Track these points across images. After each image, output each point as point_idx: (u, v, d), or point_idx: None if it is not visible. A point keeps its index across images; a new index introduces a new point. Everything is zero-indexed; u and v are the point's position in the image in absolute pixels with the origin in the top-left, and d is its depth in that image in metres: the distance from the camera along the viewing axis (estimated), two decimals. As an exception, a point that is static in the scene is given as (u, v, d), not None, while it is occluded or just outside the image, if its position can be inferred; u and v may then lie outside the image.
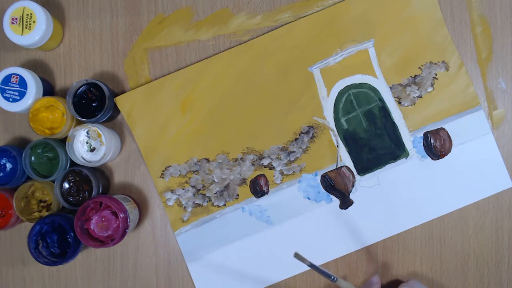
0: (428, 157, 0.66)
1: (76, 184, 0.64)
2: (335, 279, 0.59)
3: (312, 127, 0.67)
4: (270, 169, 0.67)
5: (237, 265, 0.67)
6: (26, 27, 0.63)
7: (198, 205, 0.67)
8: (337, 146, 0.67)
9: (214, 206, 0.67)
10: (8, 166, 0.64)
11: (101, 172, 0.68)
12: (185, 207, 0.67)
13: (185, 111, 0.67)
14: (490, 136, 0.66)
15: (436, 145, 0.66)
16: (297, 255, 0.58)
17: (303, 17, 0.67)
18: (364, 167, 0.66)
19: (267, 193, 0.67)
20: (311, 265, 0.58)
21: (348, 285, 0.60)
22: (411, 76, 0.66)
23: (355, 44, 0.67)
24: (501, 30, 0.67)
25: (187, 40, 0.68)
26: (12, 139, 0.68)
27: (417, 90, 0.66)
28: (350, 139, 0.67)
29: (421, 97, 0.66)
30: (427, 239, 0.66)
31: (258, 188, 0.67)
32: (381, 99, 0.67)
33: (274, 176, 0.67)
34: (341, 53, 0.67)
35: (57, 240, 0.63)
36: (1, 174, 0.64)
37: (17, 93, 0.63)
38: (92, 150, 0.64)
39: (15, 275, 0.68)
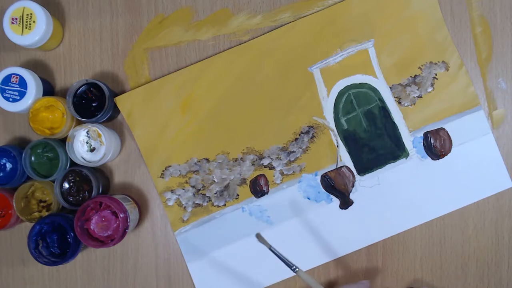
0: (428, 157, 0.66)
1: (76, 184, 0.64)
2: (296, 269, 0.58)
3: (312, 127, 0.67)
4: (270, 169, 0.67)
5: (237, 265, 0.67)
6: (26, 27, 0.63)
7: (198, 205, 0.67)
8: (337, 146, 0.67)
9: (214, 206, 0.67)
10: (8, 166, 0.64)
11: (101, 172, 0.68)
12: (185, 207, 0.67)
13: (185, 111, 0.67)
14: (490, 136, 0.66)
15: (436, 145, 0.66)
16: (258, 236, 0.57)
17: (303, 17, 0.67)
18: (364, 167, 0.66)
19: (267, 193, 0.67)
20: (271, 249, 0.57)
21: (309, 278, 0.59)
22: (411, 76, 0.66)
23: (355, 44, 0.66)
24: (501, 30, 0.67)
25: (187, 40, 0.68)
26: (12, 139, 0.68)
27: (417, 90, 0.66)
28: (350, 139, 0.67)
29: (421, 97, 0.66)
30: (427, 239, 0.66)
31: (258, 188, 0.67)
32: (381, 99, 0.67)
33: (274, 176, 0.67)
34: (341, 53, 0.67)
35: (57, 240, 0.63)
36: (1, 174, 0.64)
37: (17, 93, 0.63)
38: (92, 150, 0.64)
39: (15, 275, 0.68)
